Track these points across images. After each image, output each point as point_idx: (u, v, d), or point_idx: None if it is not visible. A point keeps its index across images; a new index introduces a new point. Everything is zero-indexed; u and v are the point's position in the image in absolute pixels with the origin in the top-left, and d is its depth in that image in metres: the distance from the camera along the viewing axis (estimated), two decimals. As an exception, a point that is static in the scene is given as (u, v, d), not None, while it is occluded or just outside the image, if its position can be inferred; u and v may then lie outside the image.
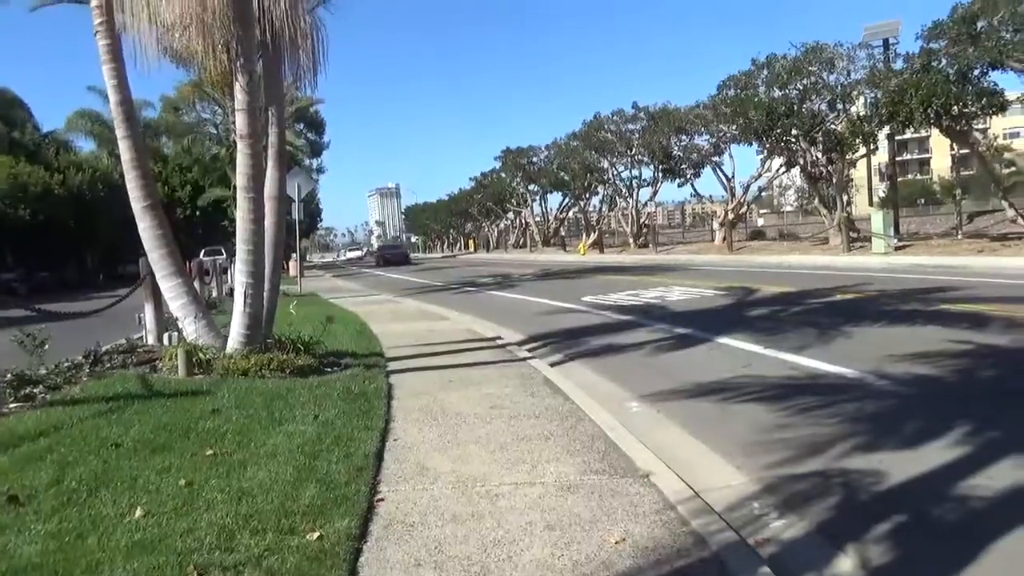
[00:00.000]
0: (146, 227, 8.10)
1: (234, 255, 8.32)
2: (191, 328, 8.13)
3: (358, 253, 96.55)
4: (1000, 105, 21.14)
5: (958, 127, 22.14)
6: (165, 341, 8.94)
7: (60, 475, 4.27)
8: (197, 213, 46.64)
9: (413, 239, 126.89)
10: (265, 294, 8.08)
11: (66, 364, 7.73)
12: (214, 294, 18.31)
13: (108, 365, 7.96)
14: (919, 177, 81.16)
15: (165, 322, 9.49)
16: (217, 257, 26.59)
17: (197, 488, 4.05)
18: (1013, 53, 19.45)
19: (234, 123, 8.19)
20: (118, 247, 40.26)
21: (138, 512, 3.69)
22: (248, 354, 7.43)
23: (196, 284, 12.84)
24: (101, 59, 7.91)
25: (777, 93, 28.60)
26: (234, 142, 8.38)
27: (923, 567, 3.28)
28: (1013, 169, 25.07)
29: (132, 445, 4.88)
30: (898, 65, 23.79)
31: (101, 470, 4.38)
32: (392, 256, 54.57)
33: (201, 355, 7.49)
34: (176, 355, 7.36)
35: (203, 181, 46.00)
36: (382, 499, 4.03)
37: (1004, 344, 7.86)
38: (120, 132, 8.09)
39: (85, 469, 4.38)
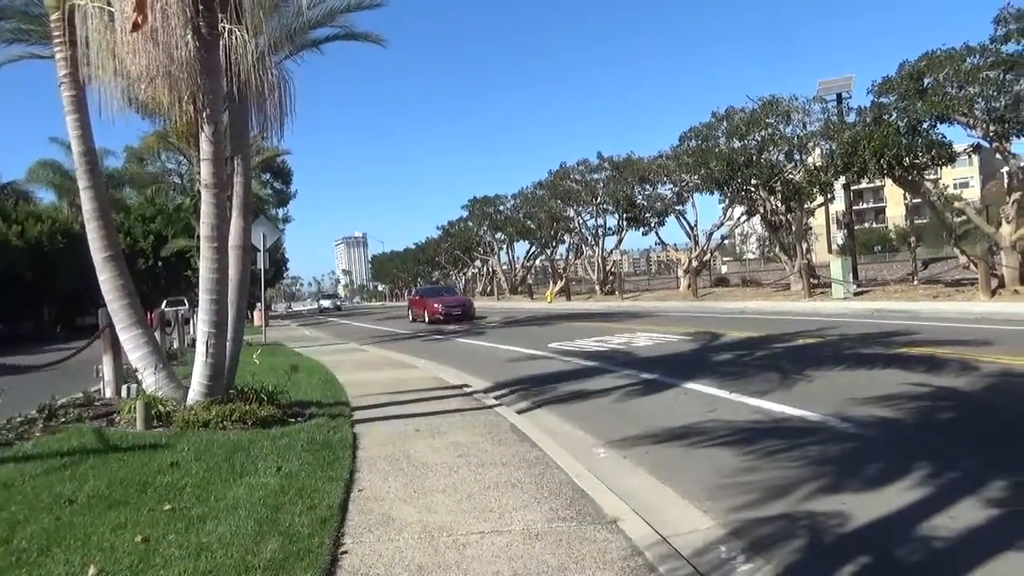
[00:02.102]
0: (107, 278, 7.99)
1: (196, 306, 8.22)
2: (151, 379, 7.96)
3: (335, 301, 78.53)
4: (948, 156, 21.97)
5: (910, 177, 22.91)
6: (124, 393, 8.73)
7: (9, 534, 4.12)
8: (160, 263, 45.98)
9: (380, 287, 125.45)
10: (228, 344, 7.97)
11: (19, 419, 7.50)
12: (176, 345, 17.98)
13: (63, 419, 7.73)
14: (875, 225, 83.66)
15: (124, 374, 9.28)
16: (179, 307, 26.22)
17: (154, 544, 3.93)
18: (958, 108, 20.33)
19: (199, 173, 8.19)
20: (78, 299, 39.40)
21: (91, 571, 3.57)
22: (209, 405, 7.29)
23: (157, 335, 12.62)
24: (65, 110, 7.89)
25: (737, 144, 29.41)
26: (199, 192, 8.36)
27: (888, 608, 3.30)
28: (964, 218, 25.89)
29: (86, 501, 4.73)
30: (851, 118, 24.69)
31: (53, 528, 4.23)
32: (451, 309, 29.41)
33: (161, 407, 7.34)
34: (135, 407, 7.19)
35: (167, 231, 45.47)
36: (346, 552, 3.95)
37: (960, 386, 8.04)
38: (83, 183, 8.03)
39: (36, 527, 4.23)
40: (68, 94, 7.82)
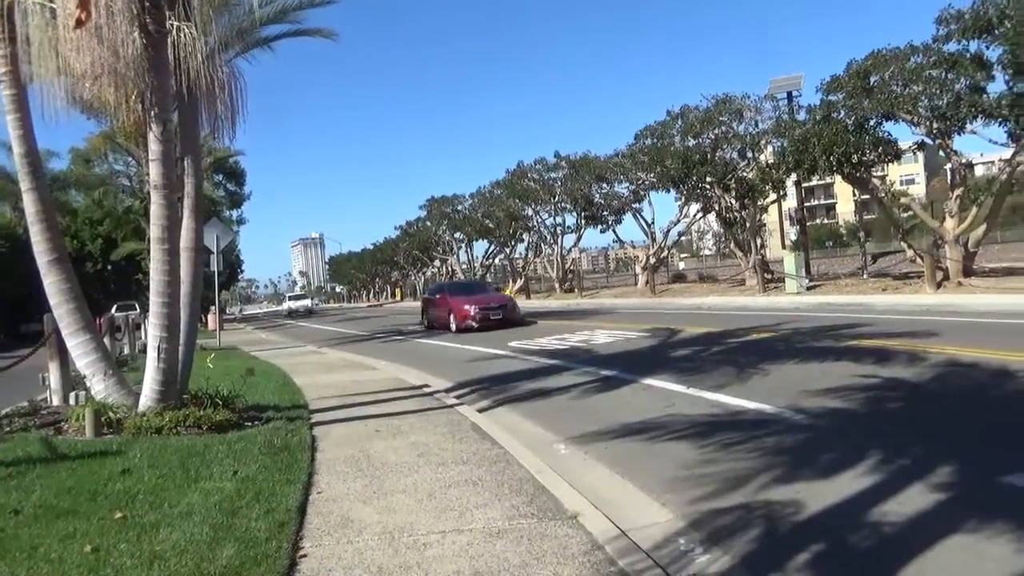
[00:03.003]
0: (52, 281, 7.75)
1: (148, 310, 8.02)
2: (100, 386, 7.75)
3: (306, 303, 65.22)
4: (895, 153, 22.61)
5: (858, 174, 23.47)
6: (72, 401, 8.47)
7: (-49, 548, 3.96)
8: (109, 268, 44.79)
9: (338, 289, 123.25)
10: (181, 348, 7.80)
11: (-40, 429, 7.23)
12: (126, 351, 17.53)
13: (8, 429, 7.47)
14: (826, 221, 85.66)
15: (72, 381, 9.01)
16: (130, 312, 25.54)
17: (104, 554, 3.83)
18: (903, 106, 20.92)
19: (148, 174, 7.99)
20: (22, 305, 38.15)
21: (38, 583, 3.46)
22: (162, 411, 7.13)
23: (107, 340, 12.29)
24: (5, 109, 7.63)
25: (691, 142, 29.84)
26: (148, 194, 8.16)
27: (841, 593, 3.37)
28: (910, 213, 26.65)
29: (33, 511, 4.59)
30: (801, 116, 25.23)
31: (-2, 540, 4.09)
32: (488, 311, 21.47)
33: (111, 414, 7.15)
34: (83, 415, 6.99)
35: (116, 234, 44.31)
36: (305, 555, 3.90)
37: (908, 377, 8.27)
38: (25, 184, 7.76)
39: (-21, 540, 4.08)
40: (8, 92, 7.56)
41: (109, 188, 44.66)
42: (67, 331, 7.83)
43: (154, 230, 7.51)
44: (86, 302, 8.03)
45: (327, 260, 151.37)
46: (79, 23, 6.69)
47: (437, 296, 24.25)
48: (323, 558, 3.85)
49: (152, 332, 7.52)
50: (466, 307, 21.23)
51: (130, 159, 38.09)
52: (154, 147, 7.50)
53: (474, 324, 20.62)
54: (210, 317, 31.64)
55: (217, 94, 8.21)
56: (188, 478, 5.27)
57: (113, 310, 29.97)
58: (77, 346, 7.80)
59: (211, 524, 4.22)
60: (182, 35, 7.73)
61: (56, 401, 8.98)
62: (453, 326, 21.31)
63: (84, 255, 42.51)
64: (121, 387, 7.84)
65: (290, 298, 70.85)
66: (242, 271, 75.89)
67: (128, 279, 43.25)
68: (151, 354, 7.50)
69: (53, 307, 7.87)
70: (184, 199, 8.75)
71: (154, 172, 7.55)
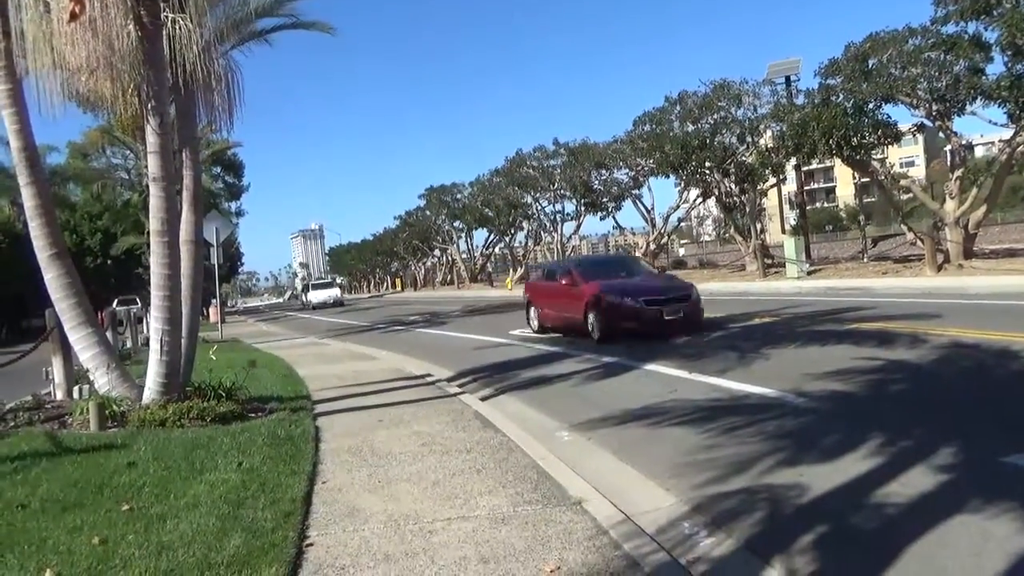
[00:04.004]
0: (53, 276, 7.74)
1: (149, 304, 8.03)
2: (104, 380, 7.76)
3: (333, 293, 48.93)
4: (894, 135, 22.56)
5: (858, 157, 23.44)
6: (76, 395, 8.50)
7: (-41, 542, 3.98)
8: (109, 262, 44.78)
9: (338, 280, 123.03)
10: (183, 340, 7.81)
11: (-35, 425, 7.25)
12: (128, 344, 17.56)
13: (12, 423, 7.50)
14: (826, 205, 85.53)
15: (75, 375, 9.03)
16: (132, 306, 25.59)
17: (112, 545, 3.85)
18: (902, 88, 20.85)
19: (146, 167, 7.97)
20: (23, 300, 38.18)
21: (47, 575, 3.48)
22: (166, 404, 7.15)
23: (109, 335, 12.31)
24: (1, 104, 7.60)
25: (690, 127, 29.76)
26: (147, 187, 8.14)
27: (845, 575, 3.39)
28: (910, 196, 26.62)
29: (40, 505, 4.61)
30: (800, 100, 25.16)
31: (5, 533, 4.11)
32: (660, 307, 12.32)
33: (115, 407, 7.17)
34: (87, 408, 7.01)
35: (115, 229, 44.26)
36: (311, 544, 3.92)
37: (910, 359, 8.28)
38: (23, 179, 7.75)
39: (-12, 534, 4.10)
40: (4, 87, 7.52)
41: (107, 182, 44.58)
42: (69, 325, 7.84)
43: (153, 223, 7.51)
44: (87, 296, 8.03)
45: (327, 251, 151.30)
46: (73, 16, 6.67)
47: (562, 280, 14.21)
48: (329, 546, 3.87)
49: (154, 325, 7.53)
50: (625, 300, 12.36)
51: (128, 152, 37.99)
52: (152, 140, 7.49)
53: (635, 326, 12.20)
54: (211, 310, 31.64)
55: (214, 86, 8.18)
56: (193, 470, 5.29)
57: (114, 304, 30.04)
58: (79, 340, 7.82)
59: (217, 515, 4.24)
60: (177, 27, 7.70)
61: (60, 395, 9.00)
62: (595, 329, 12.60)
63: (84, 249, 42.51)
64: (124, 380, 7.86)
65: (313, 287, 51.44)
66: (242, 264, 75.85)
67: (128, 273, 43.28)
68: (153, 347, 7.51)
69: (54, 302, 7.87)
70: (183, 191, 8.74)
71: (152, 165, 7.54)
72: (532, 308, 15.83)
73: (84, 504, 4.58)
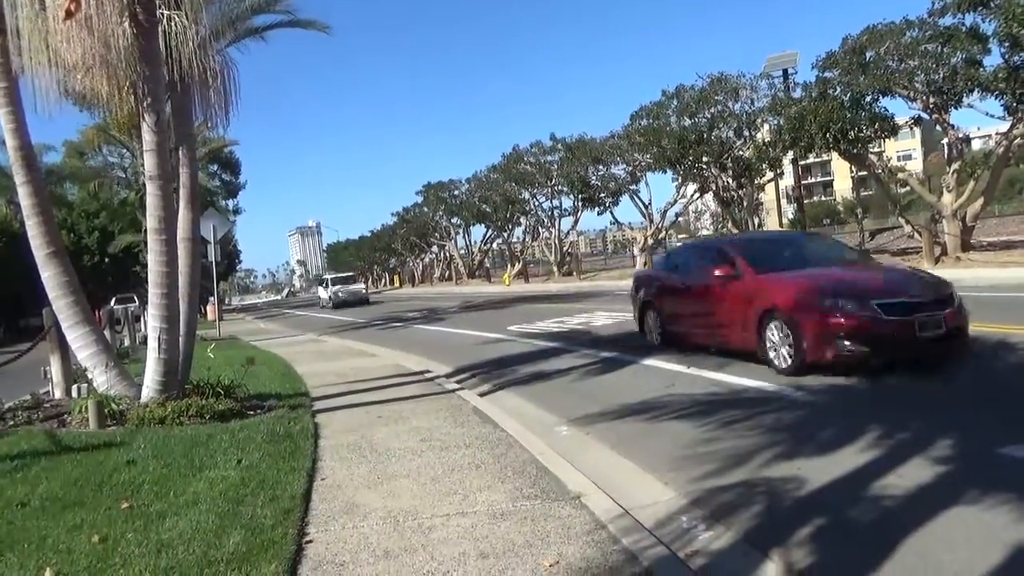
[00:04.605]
0: (50, 275, 7.74)
1: (147, 302, 8.03)
2: (102, 378, 7.76)
3: (357, 289, 41.50)
4: (892, 129, 22.53)
5: (855, 150, 23.43)
6: (74, 394, 8.49)
7: (-41, 541, 3.99)
8: (107, 260, 44.76)
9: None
10: (181, 339, 7.81)
11: (-37, 425, 7.25)
12: (127, 343, 17.54)
13: (12, 423, 7.50)
14: (823, 199, 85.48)
15: (74, 374, 9.02)
16: (129, 305, 25.55)
17: (112, 543, 3.86)
18: (899, 81, 20.84)
19: (143, 165, 7.96)
20: (20, 300, 38.13)
21: (48, 574, 3.49)
22: (164, 402, 7.15)
23: (107, 333, 12.31)
24: (-3, 103, 7.58)
25: (687, 122, 29.72)
26: (144, 185, 8.14)
27: (844, 567, 3.40)
28: (907, 189, 26.65)
29: (40, 503, 4.62)
30: (797, 93, 25.13)
31: (5, 532, 4.12)
32: (891, 314, 7.07)
33: (114, 405, 7.17)
34: (87, 407, 7.01)
35: (112, 227, 44.24)
36: (311, 540, 3.93)
37: (907, 351, 8.27)
38: (20, 178, 7.74)
39: (-13, 532, 4.11)
40: (0, 86, 7.51)
41: (104, 180, 44.50)
42: (67, 324, 7.84)
43: (151, 221, 7.50)
44: (84, 295, 8.03)
45: (325, 248, 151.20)
46: (69, 14, 6.66)
47: (712, 269, 9.05)
48: (329, 543, 3.88)
49: (152, 323, 7.53)
50: (843, 304, 7.30)
51: (124, 151, 37.91)
52: (148, 137, 7.48)
53: (861, 351, 7.13)
54: (209, 308, 31.62)
55: (210, 83, 8.15)
56: (192, 467, 5.30)
57: (112, 303, 30.00)
58: (77, 339, 7.81)
59: (217, 512, 4.25)
60: (173, 24, 7.68)
61: (58, 394, 9.00)
62: (778, 354, 7.75)
63: (81, 248, 42.49)
64: (123, 379, 7.86)
65: (333, 281, 42.09)
66: (240, 261, 75.85)
67: (126, 271, 43.25)
68: (151, 345, 7.51)
69: (52, 300, 7.87)
70: (180, 189, 8.72)
71: (149, 162, 7.53)
72: (652, 313, 10.70)
73: (84, 502, 4.59)
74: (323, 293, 41.63)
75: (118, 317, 18.80)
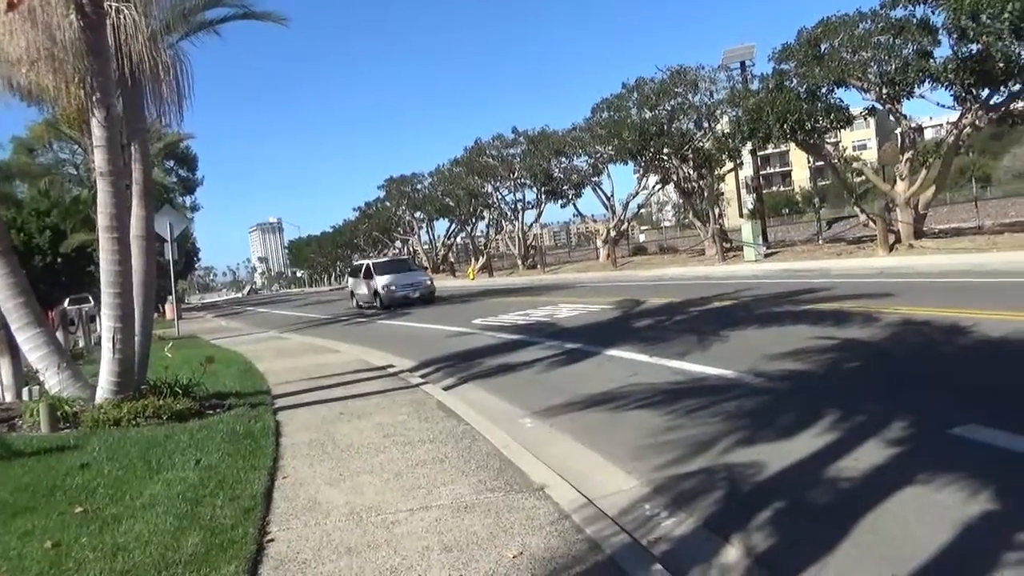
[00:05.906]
0: (-2, 276, 7.50)
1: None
2: (54, 380, 7.56)
3: (422, 279, 25.65)
4: (847, 119, 22.97)
5: (812, 141, 23.86)
6: (25, 396, 8.27)
7: (-97, 551, 3.85)
8: (60, 260, 43.59)
9: (299, 274, 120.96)
10: (136, 338, 7.64)
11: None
12: (81, 344, 17.13)
13: (-40, 428, 7.27)
14: (782, 189, 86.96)
15: (25, 377, 8.78)
16: (84, 305, 24.91)
17: (66, 549, 3.76)
18: (853, 72, 21.24)
19: (94, 161, 7.75)
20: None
21: (-3, 581, 3.39)
22: (120, 403, 6.99)
23: (60, 334, 11.99)
24: (-63, 98, 7.32)
25: (648, 114, 29.94)
26: (95, 182, 7.92)
27: (801, 548, 3.46)
28: (863, 178, 27.20)
29: (-11, 511, 4.47)
30: (755, 85, 25.49)
31: (-47, 541, 3.99)
32: None
33: (67, 408, 6.99)
34: (38, 410, 6.82)
35: (64, 226, 43.06)
36: (272, 539, 3.88)
37: (863, 337, 8.47)
38: (-37, 175, 7.49)
39: (-67, 542, 3.97)
40: (-61, 80, 7.25)
41: (55, 178, 43.26)
42: (16, 325, 7.61)
43: (102, 218, 7.32)
44: (35, 296, 7.81)
45: (286, 245, 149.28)
46: (11, 6, 6.46)
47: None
48: (291, 541, 3.84)
49: (106, 323, 7.35)
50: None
51: (76, 147, 36.90)
52: (98, 133, 7.29)
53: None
54: (167, 306, 31.00)
55: (162, 77, 7.98)
56: (150, 469, 5.19)
57: (66, 303, 29.23)
58: (28, 340, 7.60)
59: (175, 514, 4.17)
60: (122, 17, 7.50)
61: (9, 397, 8.74)
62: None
63: (32, 248, 41.33)
64: (76, 380, 7.66)
65: (380, 269, 26.09)
66: (199, 259, 74.46)
67: (80, 271, 42.16)
68: (106, 345, 7.34)
69: (0, 302, 7.64)
70: (133, 186, 8.52)
71: (99, 159, 7.34)
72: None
73: (35, 508, 4.47)
74: (362, 288, 26.84)
75: (72, 318, 18.32)
